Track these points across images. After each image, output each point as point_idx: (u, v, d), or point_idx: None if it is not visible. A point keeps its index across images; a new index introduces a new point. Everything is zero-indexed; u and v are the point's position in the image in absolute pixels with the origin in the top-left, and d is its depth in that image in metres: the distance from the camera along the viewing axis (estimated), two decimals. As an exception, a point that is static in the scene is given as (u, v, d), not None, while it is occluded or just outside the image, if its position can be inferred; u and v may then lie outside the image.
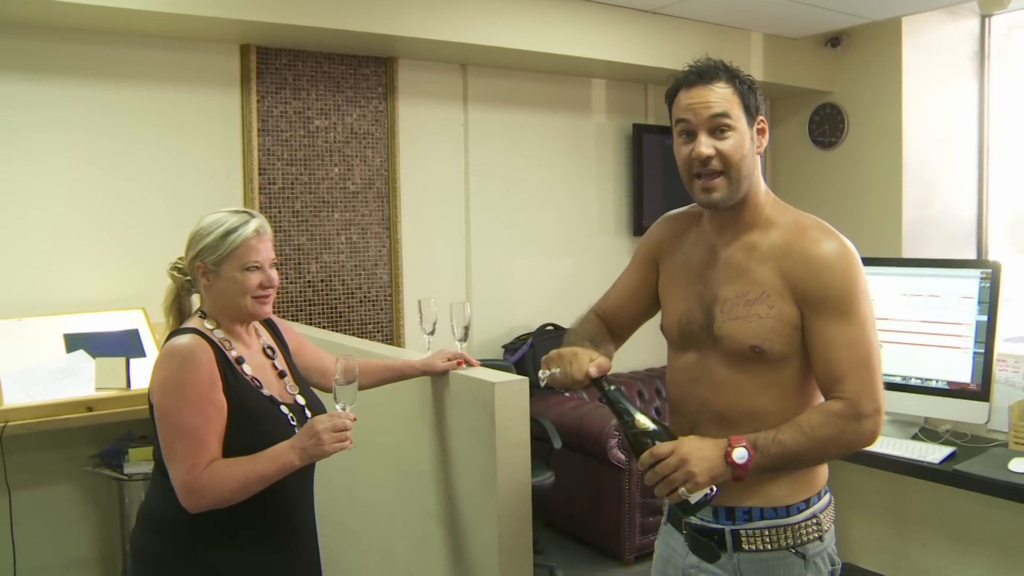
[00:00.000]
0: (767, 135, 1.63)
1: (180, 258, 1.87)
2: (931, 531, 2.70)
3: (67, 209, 3.40)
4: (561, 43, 4.20)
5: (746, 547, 1.61)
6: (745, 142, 1.57)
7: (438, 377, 2.21)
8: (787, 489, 1.62)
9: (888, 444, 2.62)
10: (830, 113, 5.36)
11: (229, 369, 1.77)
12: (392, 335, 4.22)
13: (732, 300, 1.61)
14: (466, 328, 2.25)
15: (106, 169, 3.48)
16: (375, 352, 2.54)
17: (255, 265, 1.80)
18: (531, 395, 2.10)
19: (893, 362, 2.77)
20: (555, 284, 4.85)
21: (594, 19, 4.31)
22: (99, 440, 3.23)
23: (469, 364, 2.18)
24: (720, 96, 1.56)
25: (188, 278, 1.87)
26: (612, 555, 3.99)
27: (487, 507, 2.02)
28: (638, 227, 5.04)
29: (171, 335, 1.81)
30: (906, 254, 4.88)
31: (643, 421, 1.54)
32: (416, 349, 3.20)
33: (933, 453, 2.53)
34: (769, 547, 1.61)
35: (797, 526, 1.61)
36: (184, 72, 3.64)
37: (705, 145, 1.56)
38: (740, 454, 1.49)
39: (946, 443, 2.63)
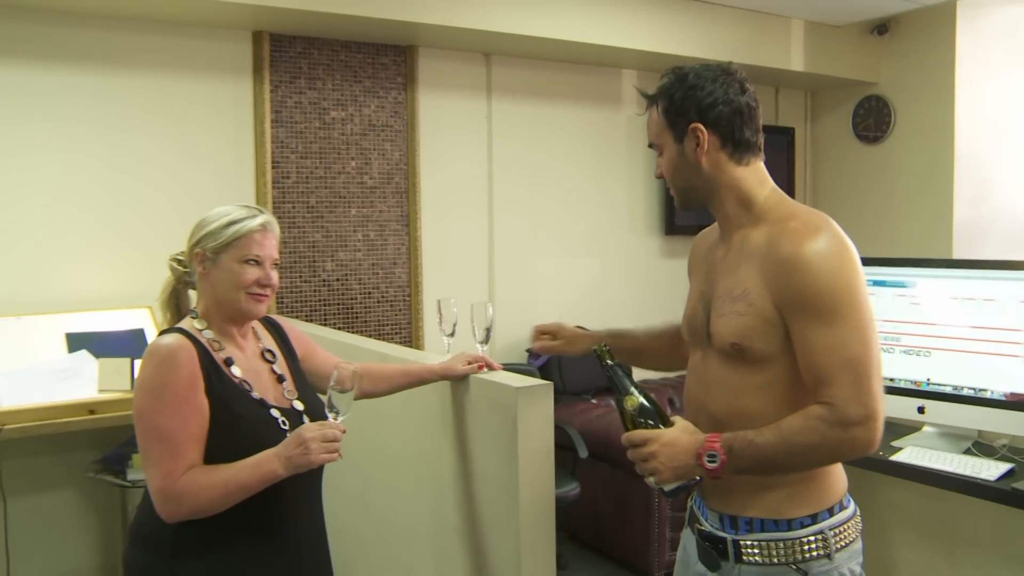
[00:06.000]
0: (706, 136, 1.67)
1: (183, 251, 1.88)
2: (986, 554, 2.65)
3: (70, 203, 3.43)
4: (590, 31, 4.19)
5: (746, 559, 1.65)
6: (672, 158, 1.72)
7: (458, 382, 2.20)
8: (790, 502, 1.64)
9: (939, 459, 2.58)
10: (876, 106, 5.31)
11: (214, 370, 1.76)
12: (411, 337, 4.24)
13: (721, 297, 1.68)
14: (488, 330, 2.23)
15: (111, 162, 3.51)
16: (392, 355, 2.54)
17: (255, 259, 1.80)
18: (556, 401, 2.08)
19: (944, 371, 2.73)
20: (582, 285, 4.83)
21: (625, 6, 4.30)
22: (101, 445, 3.25)
23: (491, 368, 2.17)
24: (652, 123, 1.75)
25: (187, 270, 1.87)
26: (640, 571, 3.96)
27: (508, 519, 2.01)
28: (670, 226, 5.02)
29: (160, 335, 1.82)
30: (957, 256, 4.78)
31: (634, 400, 1.63)
32: (435, 352, 3.20)
33: (988, 469, 2.48)
34: (766, 561, 1.63)
35: (797, 541, 1.62)
36: (194, 60, 3.66)
37: (657, 164, 1.79)
38: (711, 457, 1.55)
39: (1003, 459, 2.58)
